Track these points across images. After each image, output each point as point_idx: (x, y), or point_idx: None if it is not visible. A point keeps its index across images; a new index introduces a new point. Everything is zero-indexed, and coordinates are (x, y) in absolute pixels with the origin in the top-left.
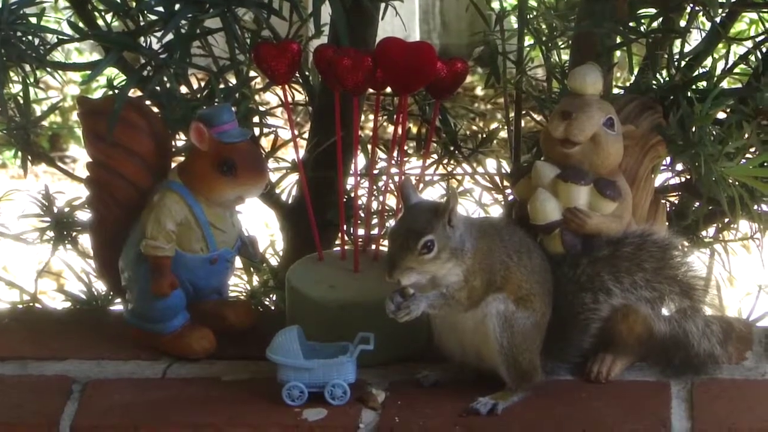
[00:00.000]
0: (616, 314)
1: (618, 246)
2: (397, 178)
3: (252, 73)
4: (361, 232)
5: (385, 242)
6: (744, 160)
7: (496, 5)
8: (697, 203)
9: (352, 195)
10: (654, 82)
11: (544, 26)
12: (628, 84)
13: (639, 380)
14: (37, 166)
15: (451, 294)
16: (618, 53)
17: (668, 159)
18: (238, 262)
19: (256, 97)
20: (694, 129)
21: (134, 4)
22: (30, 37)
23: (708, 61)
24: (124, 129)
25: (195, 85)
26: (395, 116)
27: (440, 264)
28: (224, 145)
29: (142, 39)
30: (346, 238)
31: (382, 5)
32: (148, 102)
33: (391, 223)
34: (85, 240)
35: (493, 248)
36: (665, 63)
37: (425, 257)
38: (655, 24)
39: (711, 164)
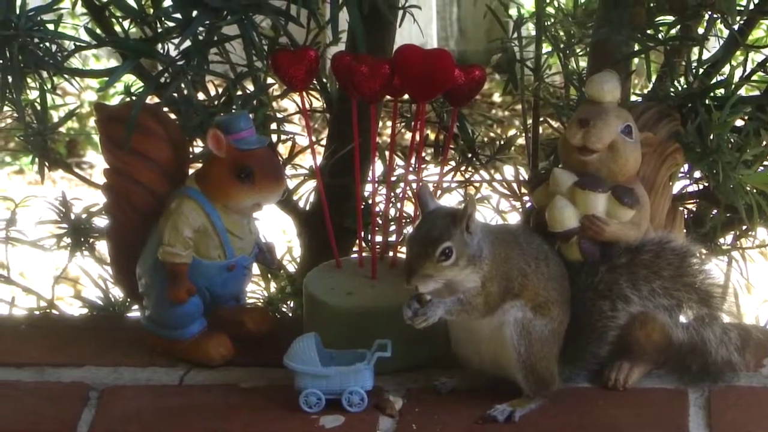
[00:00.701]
0: (634, 321)
1: (636, 254)
2: (414, 185)
3: (269, 80)
4: (378, 239)
5: (403, 249)
6: (762, 168)
7: (513, 12)
8: (715, 211)
9: (370, 202)
10: (672, 89)
11: (561, 33)
12: (645, 91)
13: (657, 388)
14: (55, 172)
15: (468, 300)
16: (636, 61)
17: (686, 166)
18: (255, 269)
19: (274, 104)
20: (711, 136)
21: (152, 10)
22: (47, 44)
23: (726, 69)
24: (141, 136)
25: (212, 92)
26: (413, 123)
27: (458, 270)
28: (242, 152)
29: (159, 46)
30: (363, 245)
31: (400, 12)
32: (165, 109)
33: (409, 229)
34: (103, 246)
35: (510, 255)
36: (683, 70)
37: (443, 264)
38: (673, 31)
39: (729, 172)
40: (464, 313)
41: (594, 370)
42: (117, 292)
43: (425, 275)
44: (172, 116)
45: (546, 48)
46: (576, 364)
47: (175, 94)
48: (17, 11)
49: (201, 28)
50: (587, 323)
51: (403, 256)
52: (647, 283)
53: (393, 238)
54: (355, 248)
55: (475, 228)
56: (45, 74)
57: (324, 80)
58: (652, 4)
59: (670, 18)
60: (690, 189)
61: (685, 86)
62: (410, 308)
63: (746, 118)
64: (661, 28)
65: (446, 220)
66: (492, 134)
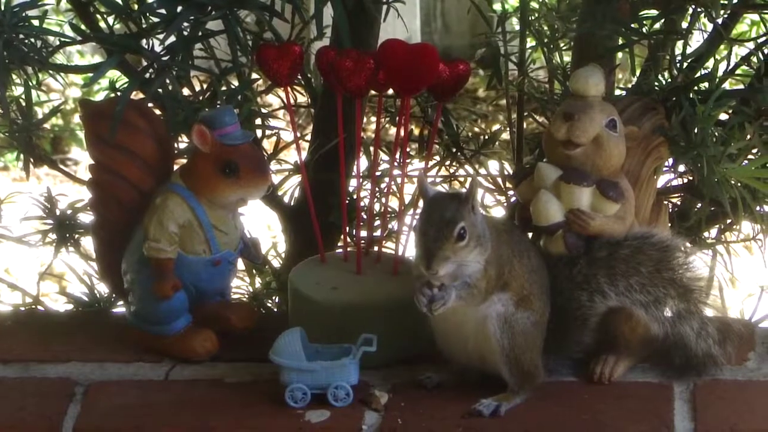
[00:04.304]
0: (619, 315)
1: (616, 248)
2: (399, 180)
3: (254, 76)
4: (363, 233)
5: (387, 244)
6: (746, 161)
7: (497, 7)
8: (699, 204)
9: (355, 197)
10: (656, 83)
11: (545, 28)
12: (630, 85)
13: (642, 381)
14: (39, 169)
15: (474, 283)
16: (620, 55)
17: (670, 160)
18: (240, 264)
19: (258, 99)
20: (696, 130)
21: (136, 6)
22: (32, 40)
23: (710, 63)
24: (126, 131)
25: (197, 88)
26: (397, 118)
27: (469, 251)
28: (227, 148)
29: (144, 41)
30: (348, 240)
31: (384, 7)
32: (150, 104)
33: (394, 224)
34: (88, 242)
35: (501, 241)
36: (667, 64)
37: (460, 245)
38: (657, 25)
39: (713, 165)
40: (471, 297)
41: (578, 359)
42: (102, 288)
43: (445, 258)
44: (157, 112)
45: (530, 42)
46: (560, 353)
47: (160, 90)
48: (2, 7)
49: (185, 24)
50: (567, 312)
51: (389, 251)
52: (624, 279)
53: (378, 233)
54: (340, 243)
55: (477, 208)
56: (30, 70)
57: (309, 75)
58: None
59: (653, 12)
60: (674, 183)
61: (669, 80)
62: (424, 296)
63: (730, 111)
64: (645, 22)
65: (455, 202)
66: (476, 129)
